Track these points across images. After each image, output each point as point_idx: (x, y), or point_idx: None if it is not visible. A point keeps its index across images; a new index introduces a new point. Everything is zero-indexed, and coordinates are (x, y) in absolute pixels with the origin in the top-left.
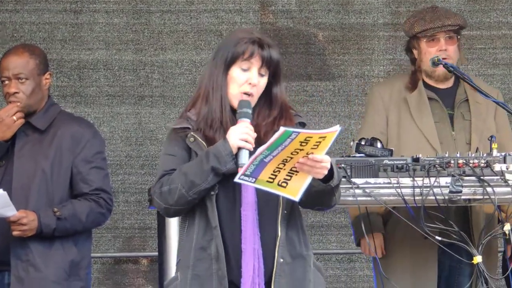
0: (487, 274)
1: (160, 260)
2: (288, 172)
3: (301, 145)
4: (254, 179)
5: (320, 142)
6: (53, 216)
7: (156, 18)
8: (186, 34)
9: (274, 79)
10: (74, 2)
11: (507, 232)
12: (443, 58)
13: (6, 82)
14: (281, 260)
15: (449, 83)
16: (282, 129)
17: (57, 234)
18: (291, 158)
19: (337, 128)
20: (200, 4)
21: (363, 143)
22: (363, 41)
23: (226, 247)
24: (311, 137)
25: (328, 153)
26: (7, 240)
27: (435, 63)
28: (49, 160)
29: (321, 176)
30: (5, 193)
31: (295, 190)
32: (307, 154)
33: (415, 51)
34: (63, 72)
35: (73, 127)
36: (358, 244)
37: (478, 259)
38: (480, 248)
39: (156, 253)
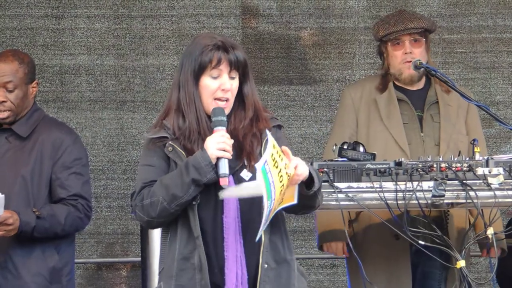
0: (470, 278)
1: (143, 266)
2: (282, 195)
3: (276, 167)
4: (267, 223)
5: (278, 151)
6: (32, 214)
7: (138, 23)
8: (167, 39)
9: (243, 78)
10: (55, 8)
11: (490, 236)
12: (408, 61)
13: None
14: (266, 265)
15: (420, 85)
16: (258, 170)
17: (36, 234)
18: (282, 187)
19: (267, 132)
20: (181, 9)
21: (345, 147)
22: (344, 45)
23: (210, 255)
24: (272, 154)
25: (310, 158)
26: None
27: (417, 67)
28: (29, 167)
29: (306, 175)
30: (2, 196)
31: (290, 197)
32: (285, 169)
33: (384, 55)
34: (45, 78)
35: (54, 133)
36: (320, 248)
37: (461, 263)
38: (463, 253)
39: (139, 259)
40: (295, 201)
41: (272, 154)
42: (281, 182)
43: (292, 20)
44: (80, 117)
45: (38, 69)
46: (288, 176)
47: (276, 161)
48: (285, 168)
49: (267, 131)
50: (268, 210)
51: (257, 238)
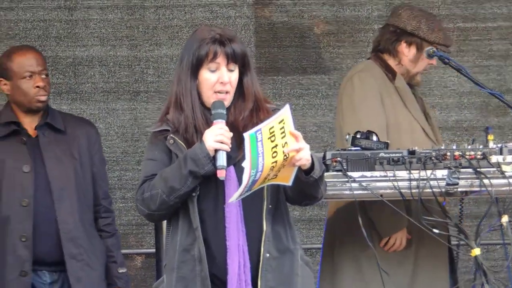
0: (485, 266)
1: (157, 257)
2: (275, 172)
3: (272, 141)
4: (250, 191)
5: (283, 127)
6: (127, 277)
7: (151, 14)
8: (180, 29)
9: (243, 69)
10: None
11: (505, 224)
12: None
13: (29, 76)
14: (267, 255)
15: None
16: (246, 136)
17: None
18: (275, 163)
19: (286, 106)
20: None
21: (358, 136)
22: (357, 34)
23: (210, 245)
24: (272, 127)
25: (325, 146)
26: (57, 241)
27: (430, 55)
28: (77, 161)
29: (305, 162)
30: None
31: (286, 178)
32: (282, 146)
33: (405, 47)
34: (59, 69)
35: (86, 127)
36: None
37: (476, 251)
38: (477, 241)
39: (153, 250)
40: (289, 183)
41: (272, 127)
42: (274, 158)
43: (306, 9)
44: (93, 108)
45: (51, 61)
46: (285, 156)
47: (274, 135)
48: (283, 146)
49: (288, 105)
50: (251, 179)
51: (231, 199)
